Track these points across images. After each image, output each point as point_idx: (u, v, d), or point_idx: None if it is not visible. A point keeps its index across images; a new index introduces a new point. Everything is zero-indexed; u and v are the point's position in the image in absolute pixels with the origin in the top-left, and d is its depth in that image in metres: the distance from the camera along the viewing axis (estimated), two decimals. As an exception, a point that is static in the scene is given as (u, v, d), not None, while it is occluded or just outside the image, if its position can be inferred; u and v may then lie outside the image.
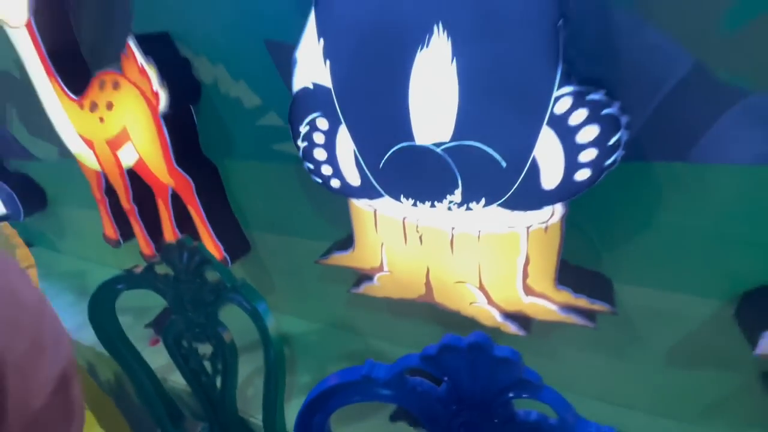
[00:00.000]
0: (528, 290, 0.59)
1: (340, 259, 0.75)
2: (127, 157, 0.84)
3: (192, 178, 0.80)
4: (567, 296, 0.57)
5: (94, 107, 0.79)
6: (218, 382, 0.77)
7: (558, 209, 0.52)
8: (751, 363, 0.57)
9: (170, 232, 0.91)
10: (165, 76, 0.69)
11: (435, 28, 0.45)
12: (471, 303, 0.66)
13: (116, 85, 0.73)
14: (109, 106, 0.77)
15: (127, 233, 1.03)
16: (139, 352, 0.82)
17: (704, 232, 0.52)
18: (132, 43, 0.66)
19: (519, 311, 0.62)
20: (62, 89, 0.80)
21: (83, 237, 1.32)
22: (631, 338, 0.63)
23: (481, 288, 0.63)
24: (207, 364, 0.76)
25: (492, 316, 0.65)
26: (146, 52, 0.67)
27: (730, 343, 0.56)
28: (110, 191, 0.97)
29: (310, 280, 0.93)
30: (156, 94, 0.69)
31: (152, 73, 0.67)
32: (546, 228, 0.53)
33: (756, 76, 0.42)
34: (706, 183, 0.49)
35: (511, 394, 0.38)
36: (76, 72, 0.81)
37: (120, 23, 0.74)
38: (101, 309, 0.75)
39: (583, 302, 0.56)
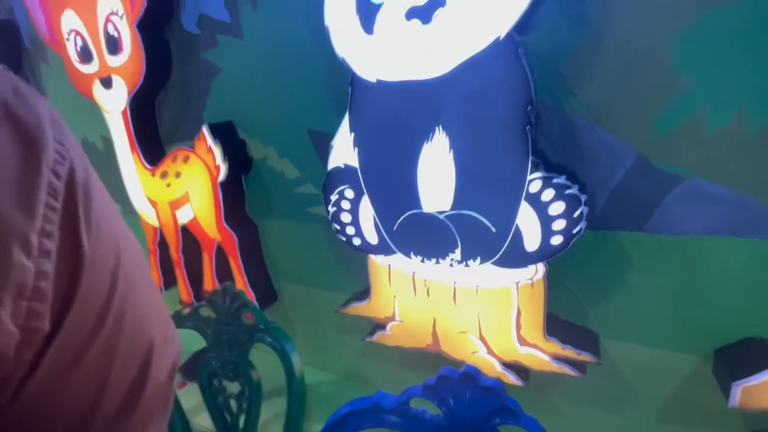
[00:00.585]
0: (522, 341, 0.67)
1: (358, 308, 0.85)
2: (184, 216, 1.01)
3: (236, 234, 0.95)
4: (556, 347, 0.64)
5: (164, 175, 0.97)
6: (241, 421, 0.83)
7: (540, 268, 0.62)
8: (738, 421, 0.62)
9: (210, 281, 1.04)
10: (226, 153, 0.86)
11: (437, 128, 0.60)
12: (473, 353, 0.73)
13: (186, 159, 0.92)
14: (178, 174, 0.95)
15: (169, 282, 1.16)
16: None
17: (671, 294, 0.60)
18: (205, 129, 0.85)
19: (516, 361, 0.70)
20: (141, 161, 1.00)
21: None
22: (621, 392, 0.69)
23: (482, 338, 0.72)
24: (233, 403, 0.84)
25: (493, 366, 0.72)
26: (214, 135, 0.86)
27: (715, 399, 0.61)
28: (161, 244, 1.13)
29: (328, 330, 1.02)
30: (218, 168, 0.87)
31: (217, 151, 0.85)
32: (532, 284, 0.63)
33: (686, 166, 0.54)
34: (664, 250, 0.59)
35: (497, 420, 0.46)
36: (154, 147, 1.01)
37: (195, 112, 0.95)
38: None
39: (570, 352, 0.64)
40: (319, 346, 1.07)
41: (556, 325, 0.66)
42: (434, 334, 0.77)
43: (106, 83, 0.94)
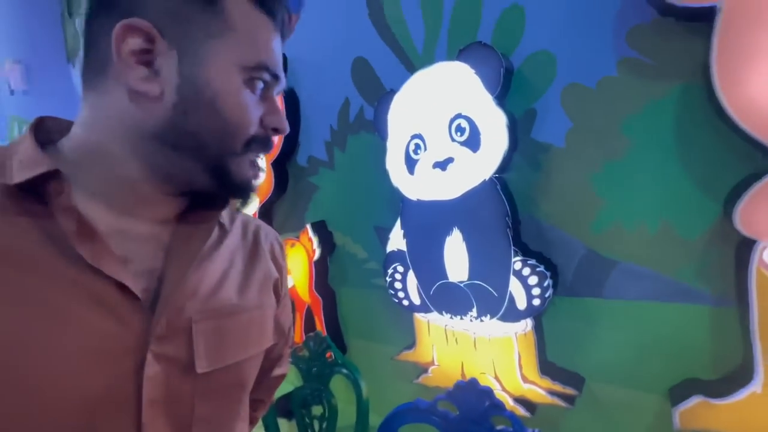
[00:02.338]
0: (524, 378, 0.92)
1: (407, 355, 1.15)
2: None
3: (322, 298, 1.33)
4: (548, 382, 0.89)
5: (276, 255, 1.42)
6: None
7: (529, 322, 0.90)
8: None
9: (299, 335, 1.41)
10: (320, 241, 1.29)
11: (454, 228, 0.96)
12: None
13: (293, 245, 1.36)
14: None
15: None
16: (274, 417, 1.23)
17: (630, 345, 0.84)
18: (308, 226, 1.29)
19: (522, 396, 0.94)
20: (261, 245, 1.47)
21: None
22: (605, 423, 0.88)
23: (496, 377, 0.97)
24: (315, 423, 1.13)
25: (507, 401, 0.96)
26: (313, 229, 1.29)
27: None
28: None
29: (384, 376, 1.31)
30: (314, 251, 1.29)
31: (315, 240, 1.28)
32: (525, 333, 0.91)
33: (618, 253, 0.82)
34: (618, 312, 0.84)
35: (490, 413, 0.73)
36: (270, 236, 1.48)
37: (300, 214, 1.41)
38: None
39: (558, 387, 0.87)
40: (376, 390, 1.35)
41: (549, 367, 0.91)
42: (462, 375, 1.04)
43: (246, 196, 1.46)
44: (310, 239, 1.29)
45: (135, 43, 0.35)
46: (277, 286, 0.51)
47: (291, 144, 1.34)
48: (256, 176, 0.44)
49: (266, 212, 1.47)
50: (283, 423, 1.23)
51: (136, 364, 0.36)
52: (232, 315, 0.44)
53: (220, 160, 0.40)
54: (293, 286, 1.39)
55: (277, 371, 0.60)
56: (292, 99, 1.31)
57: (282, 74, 0.43)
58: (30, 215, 0.35)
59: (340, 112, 1.23)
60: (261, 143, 0.42)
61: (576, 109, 0.81)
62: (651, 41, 0.73)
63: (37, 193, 0.35)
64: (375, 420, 1.34)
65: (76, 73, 2.70)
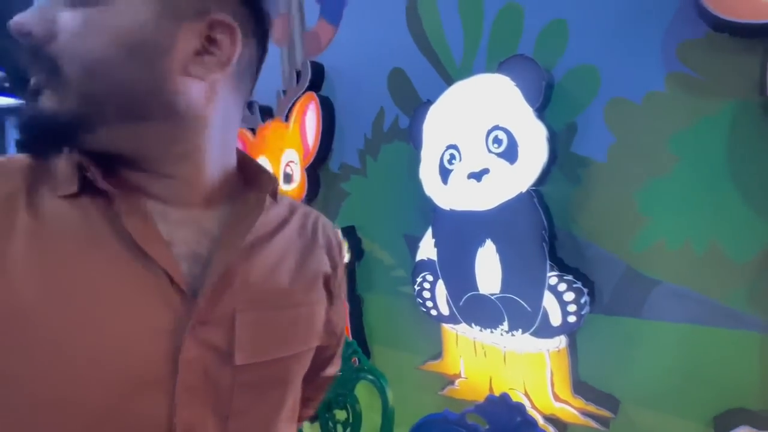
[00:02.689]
0: (556, 397, 0.90)
1: (433, 365, 1.14)
2: (312, 288, 1.44)
3: (348, 303, 1.34)
4: (581, 403, 0.86)
5: (304, 259, 1.44)
6: None
7: (563, 339, 0.88)
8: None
9: (325, 338, 1.42)
10: (349, 246, 1.30)
11: (487, 239, 0.95)
12: (520, 407, 0.96)
13: (322, 250, 1.38)
14: (314, 259, 1.41)
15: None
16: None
17: (668, 368, 0.81)
18: (339, 230, 1.31)
19: (553, 414, 0.91)
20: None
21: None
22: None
23: (526, 394, 0.95)
24: (339, 428, 1.14)
25: (537, 419, 0.94)
26: (343, 234, 1.31)
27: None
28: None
29: (407, 386, 1.30)
30: (344, 255, 1.30)
31: (344, 245, 1.29)
32: (559, 351, 0.89)
33: (659, 273, 0.80)
34: (657, 334, 0.81)
35: (522, 429, 0.72)
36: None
37: (329, 218, 1.43)
38: None
39: (592, 407, 0.85)
40: (399, 400, 1.34)
41: (582, 387, 0.88)
42: (491, 390, 1.02)
43: (278, 200, 1.49)
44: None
45: None
46: (329, 283, 0.50)
47: (324, 151, 1.37)
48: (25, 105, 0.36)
49: (297, 216, 1.50)
50: (305, 425, 1.24)
51: (175, 347, 0.36)
52: (280, 309, 0.43)
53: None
54: (320, 291, 1.41)
55: (329, 371, 0.60)
56: (327, 107, 1.34)
57: None
58: (93, 199, 0.37)
59: (374, 121, 1.25)
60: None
61: (620, 124, 0.80)
62: (703, 57, 0.71)
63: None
64: (399, 429, 1.33)
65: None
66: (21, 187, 0.37)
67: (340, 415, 1.14)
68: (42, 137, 0.35)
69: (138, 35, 0.34)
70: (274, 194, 0.46)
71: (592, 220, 0.86)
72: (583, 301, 0.83)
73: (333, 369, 0.61)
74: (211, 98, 0.40)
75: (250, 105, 1.55)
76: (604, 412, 0.84)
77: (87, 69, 0.34)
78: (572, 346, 0.89)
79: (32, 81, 0.35)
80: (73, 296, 0.34)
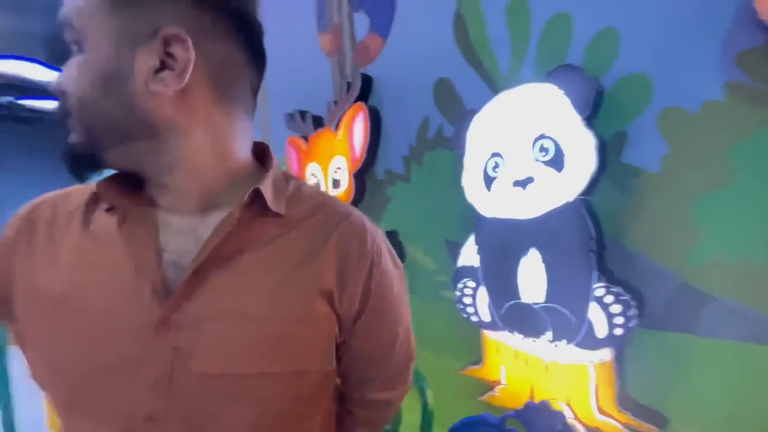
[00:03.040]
0: (600, 410, 0.88)
1: (473, 371, 1.15)
2: (356, 289, 1.50)
3: (389, 305, 1.38)
4: (627, 417, 0.84)
5: (349, 261, 1.51)
6: None
7: (609, 352, 0.86)
8: None
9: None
10: (391, 250, 1.35)
11: (532, 248, 0.96)
12: (562, 418, 0.95)
13: (365, 252, 1.43)
14: (358, 261, 1.47)
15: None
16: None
17: (722, 388, 0.77)
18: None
19: (597, 428, 0.89)
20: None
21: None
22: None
23: (569, 405, 0.94)
24: (378, 426, 1.18)
25: (579, 430, 0.92)
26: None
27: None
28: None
29: (446, 389, 1.31)
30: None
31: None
32: (604, 364, 0.87)
33: (717, 288, 0.76)
34: (710, 351, 0.78)
35: (562, 441, 0.72)
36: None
37: (373, 222, 1.49)
38: None
39: (638, 423, 0.82)
40: (439, 405, 1.36)
41: (628, 401, 0.86)
42: (532, 398, 1.01)
43: (326, 204, 1.57)
44: (383, 248, 1.36)
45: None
46: (332, 298, 0.46)
47: (371, 158, 1.43)
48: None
49: (343, 220, 1.57)
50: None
51: (141, 344, 0.41)
52: (253, 322, 0.42)
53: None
54: (363, 292, 1.46)
55: (375, 395, 0.56)
56: (374, 116, 1.39)
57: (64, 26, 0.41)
58: (111, 209, 0.46)
59: (419, 129, 1.29)
60: None
61: (674, 133, 0.77)
62: (764, 65, 0.68)
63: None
64: (436, 430, 1.35)
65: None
66: (80, 206, 0.47)
67: None
68: (74, 164, 0.44)
69: (105, 69, 0.40)
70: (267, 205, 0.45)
71: (644, 231, 0.84)
72: (630, 314, 0.81)
73: (384, 394, 0.57)
74: (184, 109, 0.42)
75: (303, 115, 1.65)
76: (650, 429, 0.81)
77: (79, 105, 0.42)
78: (619, 360, 0.87)
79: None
80: (85, 291, 0.43)
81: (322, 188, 1.58)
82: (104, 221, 0.45)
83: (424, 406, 1.05)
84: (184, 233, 0.44)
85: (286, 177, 0.52)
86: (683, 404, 0.81)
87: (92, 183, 0.47)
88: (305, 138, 1.67)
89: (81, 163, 0.44)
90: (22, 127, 5.99)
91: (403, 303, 0.56)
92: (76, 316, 0.42)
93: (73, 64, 0.42)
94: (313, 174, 1.62)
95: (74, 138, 0.42)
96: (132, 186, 0.46)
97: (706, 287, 0.78)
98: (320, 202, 0.51)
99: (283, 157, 1.96)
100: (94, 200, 0.47)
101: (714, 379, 0.78)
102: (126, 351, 0.41)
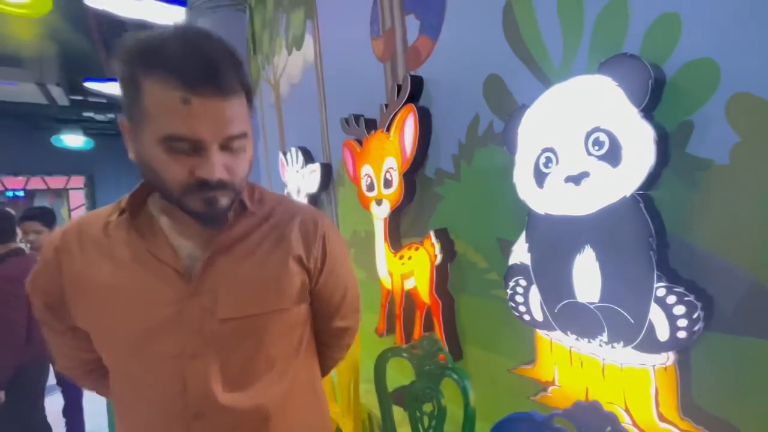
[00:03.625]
0: (661, 417, 0.83)
1: (525, 370, 1.14)
2: (408, 285, 1.54)
3: (441, 302, 1.40)
4: (690, 426, 0.78)
5: (401, 257, 1.55)
6: None
7: (671, 356, 0.81)
8: None
9: (418, 332, 1.51)
10: (441, 247, 1.37)
11: (586, 245, 0.93)
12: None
13: (417, 249, 1.47)
14: (410, 257, 1.51)
15: (390, 329, 1.70)
16: (390, 401, 1.35)
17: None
18: (432, 232, 1.39)
19: (659, 436, 0.84)
20: (389, 247, 1.62)
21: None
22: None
23: (627, 410, 0.90)
24: (425, 419, 1.21)
25: (636, 437, 0.88)
26: (436, 236, 1.38)
27: None
28: (390, 302, 1.69)
29: (498, 388, 1.31)
30: (436, 256, 1.38)
31: (437, 246, 1.37)
32: (665, 368, 0.82)
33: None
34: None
35: (614, 443, 0.70)
36: (397, 240, 1.63)
37: (424, 221, 1.52)
38: (380, 368, 1.34)
39: (705, 434, 0.77)
40: (490, 401, 1.36)
41: (693, 409, 0.80)
42: (587, 401, 0.98)
43: (379, 203, 1.63)
44: (432, 245, 1.39)
45: (124, 129, 0.62)
46: (302, 260, 0.71)
47: (421, 157, 1.46)
48: (211, 208, 0.60)
49: (395, 218, 1.62)
50: (397, 410, 1.34)
51: (180, 309, 0.63)
52: (251, 282, 0.66)
53: (175, 200, 0.60)
54: (414, 287, 1.50)
55: (338, 323, 0.82)
56: (425, 117, 1.43)
57: (200, 135, 0.55)
58: (129, 226, 0.67)
59: (469, 127, 1.30)
60: (198, 188, 0.58)
61: (745, 122, 0.71)
62: None
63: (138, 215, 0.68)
64: (487, 428, 1.35)
65: (256, 99, 3.35)
66: (106, 223, 0.68)
67: (427, 407, 1.21)
68: (223, 216, 0.67)
69: (251, 159, 0.67)
70: (244, 207, 0.70)
71: (712, 228, 0.78)
72: (695, 316, 0.76)
73: (342, 322, 0.82)
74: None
75: (357, 119, 1.73)
76: (722, 442, 0.75)
77: (240, 183, 0.64)
78: (683, 365, 0.81)
79: None
80: (125, 281, 0.64)
81: (375, 188, 1.65)
82: (126, 232, 0.66)
83: (466, 404, 1.07)
84: (191, 237, 0.67)
85: (251, 186, 0.73)
86: (757, 416, 0.74)
87: (104, 207, 0.71)
88: (360, 141, 1.74)
89: (222, 216, 0.65)
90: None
91: (347, 259, 0.83)
92: (121, 295, 0.63)
93: (239, 160, 0.61)
94: (367, 174, 1.69)
95: (226, 201, 0.62)
96: (140, 207, 0.69)
97: (787, 289, 0.70)
98: (277, 200, 0.75)
99: (340, 160, 2.06)
100: (117, 218, 0.68)
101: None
102: (170, 314, 0.63)
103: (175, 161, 0.56)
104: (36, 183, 7.90)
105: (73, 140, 7.08)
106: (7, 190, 7.75)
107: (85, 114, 6.76)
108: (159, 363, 0.63)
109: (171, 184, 0.58)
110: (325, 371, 0.89)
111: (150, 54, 0.53)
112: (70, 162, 7.73)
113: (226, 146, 0.58)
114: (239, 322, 0.65)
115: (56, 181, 8.05)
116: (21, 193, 7.90)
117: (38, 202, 7.91)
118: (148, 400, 0.64)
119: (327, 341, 0.84)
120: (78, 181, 8.16)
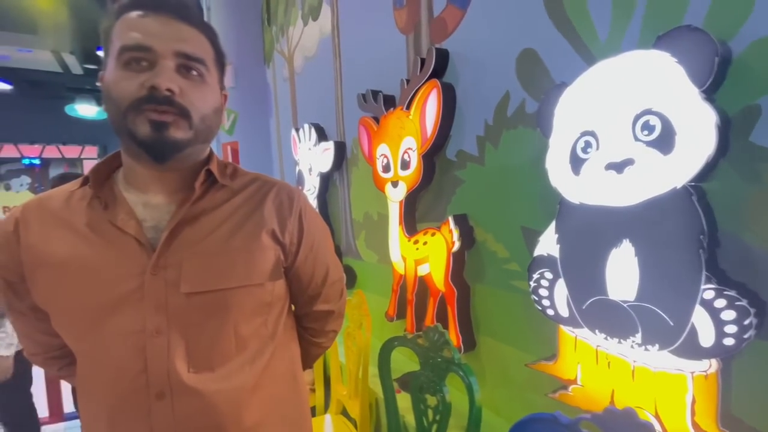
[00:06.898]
0: (696, 427, 0.77)
1: (545, 366, 1.08)
2: (422, 270, 1.49)
3: (456, 290, 1.35)
4: (732, 440, 0.72)
5: (416, 242, 1.49)
6: (434, 429, 1.15)
7: (714, 363, 0.74)
8: None
9: (431, 320, 1.46)
10: (460, 234, 1.30)
11: (625, 239, 0.85)
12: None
13: (434, 234, 1.40)
14: (425, 243, 1.44)
15: (400, 315, 1.65)
16: (394, 391, 1.31)
17: None
18: (450, 217, 1.32)
19: (691, 446, 0.79)
20: (404, 231, 1.56)
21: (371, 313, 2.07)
22: None
23: (657, 416, 0.84)
24: (429, 412, 1.16)
25: (667, 447, 0.82)
26: (455, 222, 1.31)
27: None
28: (402, 287, 1.64)
29: (514, 382, 1.26)
30: (453, 243, 1.31)
31: (455, 233, 1.30)
32: (706, 376, 0.75)
33: None
34: None
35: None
36: (412, 224, 1.56)
37: (443, 206, 1.45)
38: (384, 356, 1.30)
39: (748, 450, 0.71)
40: (503, 396, 1.31)
41: (733, 422, 0.74)
42: (612, 403, 0.93)
43: (395, 185, 1.56)
44: (450, 231, 1.32)
45: (101, 81, 0.60)
46: (277, 235, 0.68)
47: (442, 138, 1.38)
48: (159, 135, 0.56)
49: (411, 201, 1.55)
50: (404, 398, 1.30)
51: (141, 283, 0.60)
52: (218, 255, 0.62)
53: (124, 124, 0.56)
54: (429, 273, 1.44)
55: (321, 306, 0.79)
56: (449, 94, 1.33)
57: (150, 42, 0.55)
58: (92, 196, 0.63)
59: (497, 106, 1.21)
60: (146, 101, 0.55)
61: (834, 106, 0.62)
62: None
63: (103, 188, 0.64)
64: (499, 422, 1.31)
65: (269, 73, 3.26)
66: (68, 197, 0.65)
67: (431, 400, 1.16)
68: (166, 147, 0.61)
69: (216, 104, 0.66)
70: (227, 177, 0.69)
71: (774, 227, 0.70)
72: (747, 322, 0.69)
73: (326, 305, 0.80)
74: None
75: (375, 95, 1.64)
76: (766, 459, 0.69)
77: (200, 119, 0.62)
78: (726, 373, 0.74)
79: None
80: (84, 253, 0.60)
81: (391, 169, 1.57)
82: (90, 206, 0.63)
83: (471, 403, 1.02)
84: (159, 208, 0.64)
85: (224, 162, 0.72)
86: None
87: (70, 183, 0.67)
88: (377, 119, 1.66)
89: (172, 149, 0.60)
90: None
91: (327, 239, 0.80)
92: (80, 268, 0.60)
93: (197, 89, 0.60)
94: (383, 154, 1.61)
95: (180, 134, 0.59)
96: (106, 179, 0.65)
97: None
98: (254, 176, 0.72)
99: (354, 138, 1.98)
100: (81, 188, 0.65)
101: None
102: (132, 287, 0.60)
103: (129, 77, 0.56)
104: (51, 151, 7.97)
105: (87, 110, 7.08)
106: (24, 157, 7.83)
107: (98, 84, 6.72)
108: (119, 340, 0.59)
109: (121, 101, 0.56)
110: (310, 361, 0.85)
111: (123, 6, 0.58)
112: (84, 132, 7.77)
113: (183, 67, 0.58)
114: (205, 296, 0.61)
115: (71, 150, 8.11)
116: (37, 161, 7.98)
117: (53, 172, 8.00)
118: (108, 379, 0.60)
119: (310, 326, 0.82)
120: (92, 150, 8.21)
